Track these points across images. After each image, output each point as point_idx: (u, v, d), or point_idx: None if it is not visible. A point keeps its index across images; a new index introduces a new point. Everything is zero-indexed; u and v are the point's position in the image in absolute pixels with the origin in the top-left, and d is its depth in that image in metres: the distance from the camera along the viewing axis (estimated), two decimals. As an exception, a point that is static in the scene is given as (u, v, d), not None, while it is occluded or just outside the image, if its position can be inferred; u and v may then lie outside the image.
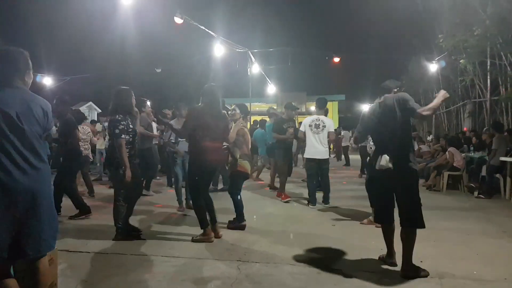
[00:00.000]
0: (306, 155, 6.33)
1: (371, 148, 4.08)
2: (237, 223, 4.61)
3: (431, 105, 3.16)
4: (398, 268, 3.30)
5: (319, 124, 6.17)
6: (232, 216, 4.73)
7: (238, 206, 4.63)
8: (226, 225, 4.61)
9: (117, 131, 3.92)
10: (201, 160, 4.02)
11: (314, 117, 6.28)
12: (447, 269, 3.26)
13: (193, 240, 4.04)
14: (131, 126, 4.08)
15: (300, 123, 6.61)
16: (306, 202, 6.40)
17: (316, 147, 6.14)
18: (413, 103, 3.18)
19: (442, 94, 3.16)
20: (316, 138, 6.14)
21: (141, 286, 2.91)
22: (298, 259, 3.55)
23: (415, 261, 3.21)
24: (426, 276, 3.09)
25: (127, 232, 4.14)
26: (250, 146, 4.84)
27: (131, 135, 4.06)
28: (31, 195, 2.05)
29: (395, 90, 3.43)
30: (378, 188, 3.44)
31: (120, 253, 3.69)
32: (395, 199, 3.27)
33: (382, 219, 3.40)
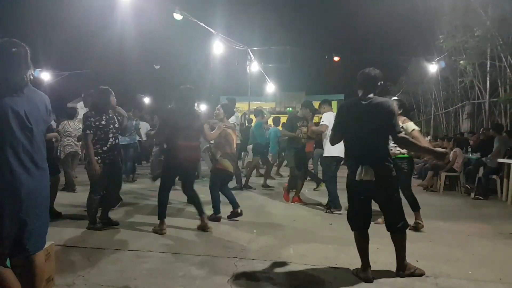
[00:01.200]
0: (330, 154, 5.49)
1: (391, 150, 3.66)
2: (213, 215, 4.80)
3: (421, 143, 3.10)
4: (393, 267, 3.32)
5: None
6: (231, 211, 4.80)
7: (215, 201, 4.84)
8: (227, 219, 4.86)
9: (83, 126, 4.25)
10: (173, 159, 4.24)
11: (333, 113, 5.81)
12: (442, 269, 3.28)
13: (153, 230, 4.26)
14: (103, 122, 4.24)
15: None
16: (307, 203, 6.41)
17: (341, 145, 5.82)
18: (396, 120, 3.01)
19: (440, 151, 3.18)
20: None
21: (137, 282, 2.91)
22: (294, 257, 3.56)
23: (411, 261, 3.22)
24: (421, 275, 3.10)
25: (104, 225, 4.40)
26: (234, 146, 5.03)
27: (103, 132, 4.24)
28: (34, 195, 2.06)
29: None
30: (354, 194, 3.15)
31: (117, 248, 3.69)
32: (370, 205, 3.13)
33: (358, 225, 3.15)
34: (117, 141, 4.45)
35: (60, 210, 5.06)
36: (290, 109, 20.82)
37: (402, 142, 3.10)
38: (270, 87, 21.16)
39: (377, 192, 3.05)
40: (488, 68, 13.96)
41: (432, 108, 21.46)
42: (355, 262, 3.41)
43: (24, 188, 2.00)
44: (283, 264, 3.37)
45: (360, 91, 3.17)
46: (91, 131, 4.17)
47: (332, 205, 5.57)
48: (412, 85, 21.91)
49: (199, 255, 3.56)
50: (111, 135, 4.31)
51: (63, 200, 5.40)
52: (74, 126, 7.06)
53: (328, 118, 5.54)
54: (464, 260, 3.56)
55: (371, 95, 3.10)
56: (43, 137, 2.14)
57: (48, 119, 2.22)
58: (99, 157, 4.21)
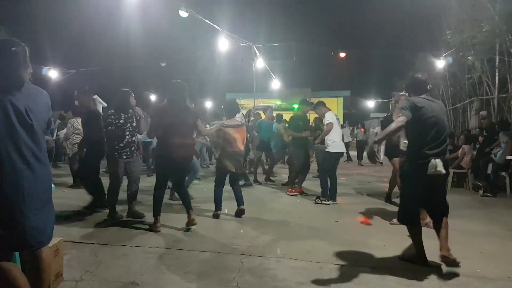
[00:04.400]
0: (332, 149, 5.92)
1: (404, 143, 3.91)
2: (214, 212, 4.91)
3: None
4: (400, 264, 3.31)
5: (338, 119, 6.25)
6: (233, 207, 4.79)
7: (216, 198, 4.91)
8: (234, 215, 4.91)
9: (104, 124, 4.66)
10: (166, 156, 4.19)
11: (333, 113, 6.29)
12: (450, 267, 3.25)
13: (149, 229, 4.27)
14: (121, 121, 4.54)
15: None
16: (310, 197, 6.41)
17: (341, 141, 6.19)
18: None
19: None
20: (340, 132, 6.21)
21: (144, 277, 2.94)
22: (300, 253, 3.56)
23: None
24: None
25: (130, 217, 4.71)
26: (239, 144, 4.92)
27: (120, 129, 4.52)
28: (36, 190, 2.08)
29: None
30: (419, 189, 3.27)
31: (124, 244, 3.73)
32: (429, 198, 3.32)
33: (417, 219, 3.34)
34: (133, 138, 4.72)
35: (67, 207, 5.13)
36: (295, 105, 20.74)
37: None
38: (276, 84, 21.08)
39: (440, 184, 3.30)
40: (497, 64, 13.78)
41: (440, 104, 21.25)
42: (361, 259, 3.42)
43: (26, 183, 2.02)
44: (288, 261, 3.37)
45: (411, 94, 3.48)
46: (112, 128, 4.51)
47: (328, 195, 5.96)
48: (419, 81, 21.67)
49: (205, 251, 3.58)
50: (127, 132, 4.61)
51: (71, 197, 5.45)
52: (79, 122, 7.07)
53: (332, 117, 6.04)
54: (472, 258, 3.53)
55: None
56: (42, 132, 2.16)
57: (49, 115, 2.25)
58: (116, 153, 4.56)
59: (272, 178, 8.45)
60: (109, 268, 3.12)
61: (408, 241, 3.96)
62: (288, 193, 6.66)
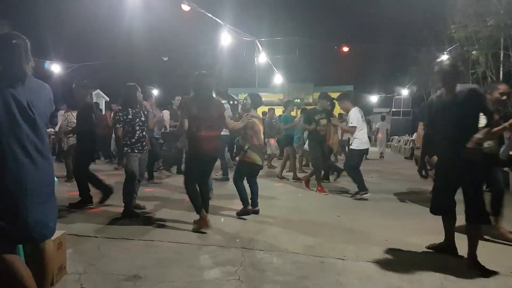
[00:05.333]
0: (361, 146, 6.03)
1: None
2: (243, 209, 4.69)
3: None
4: (402, 259, 3.31)
5: (363, 115, 6.18)
6: (237, 203, 4.78)
7: (241, 192, 4.71)
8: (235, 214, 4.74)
9: (113, 121, 4.60)
10: (196, 150, 4.04)
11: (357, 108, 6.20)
12: (451, 262, 3.26)
13: (193, 230, 4.02)
14: (130, 117, 4.52)
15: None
16: (313, 192, 6.42)
17: (367, 138, 6.19)
18: None
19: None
20: (365, 129, 6.18)
21: (147, 271, 2.96)
22: (302, 248, 3.57)
23: (420, 253, 3.21)
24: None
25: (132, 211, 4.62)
26: (261, 137, 4.84)
27: (130, 125, 4.52)
28: (39, 183, 2.09)
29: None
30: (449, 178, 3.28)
31: (127, 238, 3.75)
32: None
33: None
34: (144, 133, 4.72)
35: (70, 200, 5.15)
36: (298, 100, 20.65)
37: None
38: (278, 79, 21.04)
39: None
40: (501, 58, 13.67)
41: (443, 100, 21.14)
42: (363, 254, 3.42)
43: (29, 176, 2.03)
44: (290, 255, 3.38)
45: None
46: (120, 125, 4.49)
47: (360, 189, 5.97)
48: (422, 75, 21.55)
49: (208, 245, 3.60)
50: (137, 127, 4.60)
51: (74, 191, 5.46)
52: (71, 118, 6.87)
53: (357, 117, 5.98)
54: (473, 253, 3.53)
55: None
56: (45, 126, 2.17)
57: (51, 109, 2.26)
58: (128, 148, 4.55)
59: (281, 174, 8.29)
60: (112, 262, 3.14)
61: (410, 236, 3.97)
62: (318, 192, 6.42)
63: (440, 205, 3.40)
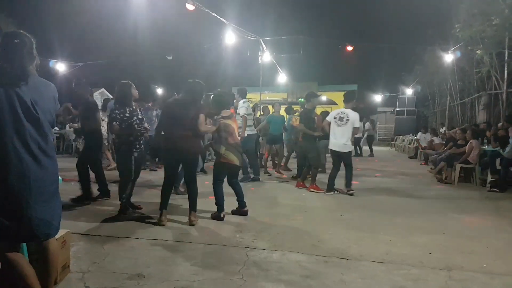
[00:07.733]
0: (329, 146, 6.48)
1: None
2: (217, 213, 4.52)
3: None
4: (407, 258, 3.30)
5: (343, 117, 6.26)
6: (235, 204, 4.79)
7: (218, 197, 4.56)
8: (231, 213, 4.74)
9: (109, 118, 4.58)
10: (168, 148, 4.27)
11: (341, 109, 6.44)
12: (456, 262, 3.25)
13: (155, 222, 4.28)
14: (127, 114, 4.48)
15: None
16: (316, 191, 6.43)
17: (336, 139, 6.27)
18: None
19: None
20: (338, 130, 6.25)
21: (151, 269, 2.96)
22: (305, 247, 3.56)
23: (424, 253, 3.19)
24: None
25: (128, 207, 4.69)
26: (236, 135, 4.75)
27: (127, 123, 4.47)
28: (42, 182, 2.09)
29: None
30: None
31: (130, 237, 3.76)
32: None
33: None
34: (141, 132, 4.69)
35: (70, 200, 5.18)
36: (302, 99, 20.62)
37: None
38: (282, 78, 20.97)
39: None
40: (506, 58, 13.57)
41: (448, 99, 21.01)
42: (367, 254, 3.41)
43: (33, 175, 2.03)
44: (294, 254, 3.38)
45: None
46: (117, 123, 4.45)
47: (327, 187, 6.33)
48: (427, 75, 21.44)
49: (211, 244, 3.60)
50: (135, 125, 4.56)
51: (78, 189, 5.48)
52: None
53: (330, 115, 6.48)
54: (478, 253, 3.52)
55: None
56: (49, 126, 2.16)
57: (56, 108, 2.25)
58: (126, 147, 4.52)
59: (282, 171, 8.49)
60: (116, 260, 3.15)
61: (414, 235, 3.96)
62: (313, 190, 6.46)
63: None
